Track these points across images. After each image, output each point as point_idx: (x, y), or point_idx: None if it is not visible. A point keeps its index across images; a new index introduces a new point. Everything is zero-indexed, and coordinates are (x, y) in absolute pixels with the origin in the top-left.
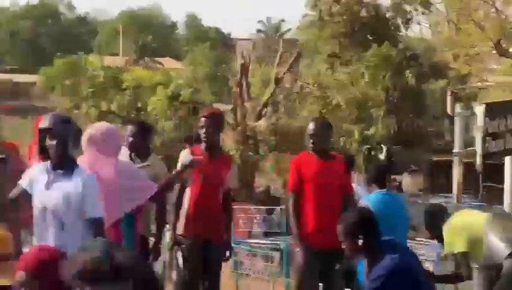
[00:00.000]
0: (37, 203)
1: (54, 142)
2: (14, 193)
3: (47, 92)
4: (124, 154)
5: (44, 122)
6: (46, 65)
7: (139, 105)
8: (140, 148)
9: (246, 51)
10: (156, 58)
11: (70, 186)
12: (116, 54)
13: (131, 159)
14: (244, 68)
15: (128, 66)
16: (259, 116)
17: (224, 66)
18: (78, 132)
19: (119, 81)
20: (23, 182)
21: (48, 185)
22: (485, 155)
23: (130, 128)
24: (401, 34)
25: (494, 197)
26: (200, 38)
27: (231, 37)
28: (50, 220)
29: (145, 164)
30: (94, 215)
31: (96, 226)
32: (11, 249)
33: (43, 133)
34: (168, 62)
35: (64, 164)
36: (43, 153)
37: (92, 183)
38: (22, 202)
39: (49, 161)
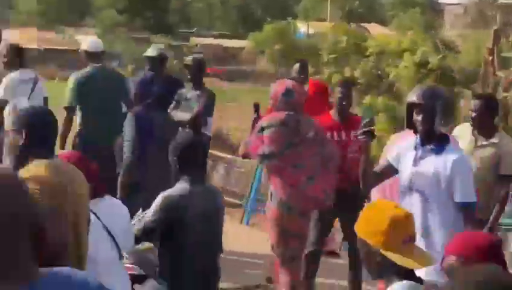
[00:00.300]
0: (403, 179)
1: (420, 117)
2: (379, 167)
3: (255, 57)
4: (466, 131)
5: (412, 96)
6: (254, 31)
7: (379, 72)
8: (485, 124)
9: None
10: (362, 24)
11: (439, 164)
12: (322, 20)
13: (473, 136)
14: (497, 35)
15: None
16: (508, 87)
17: (432, 32)
18: (448, 106)
19: (363, 47)
20: (390, 156)
21: (416, 162)
22: None
23: (474, 102)
24: None
25: None
26: (406, 3)
27: (439, 1)
28: (416, 197)
29: (488, 142)
30: (464, 200)
31: (466, 211)
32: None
33: (411, 107)
34: (374, 27)
35: (433, 140)
36: (411, 127)
37: (464, 164)
38: (387, 176)
39: (418, 136)
